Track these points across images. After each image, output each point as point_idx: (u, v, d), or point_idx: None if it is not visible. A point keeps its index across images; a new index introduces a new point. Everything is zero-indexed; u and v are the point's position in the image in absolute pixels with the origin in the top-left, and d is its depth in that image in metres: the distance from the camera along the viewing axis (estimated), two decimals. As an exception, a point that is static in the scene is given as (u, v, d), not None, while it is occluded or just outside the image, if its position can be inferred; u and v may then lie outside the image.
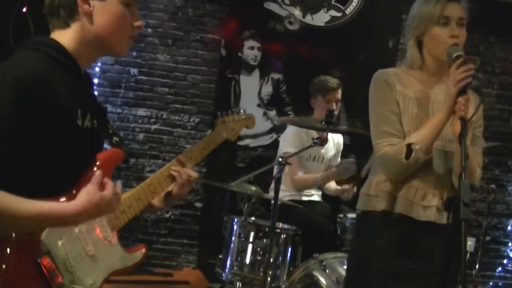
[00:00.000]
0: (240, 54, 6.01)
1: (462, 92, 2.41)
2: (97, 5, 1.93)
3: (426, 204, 2.61)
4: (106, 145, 2.19)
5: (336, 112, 4.67)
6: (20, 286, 1.78)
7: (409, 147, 2.54)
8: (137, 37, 2.06)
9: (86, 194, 1.84)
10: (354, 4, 6.05)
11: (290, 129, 4.93)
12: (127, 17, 1.98)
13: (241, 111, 2.67)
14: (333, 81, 4.83)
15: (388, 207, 2.66)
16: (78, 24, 1.94)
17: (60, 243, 1.89)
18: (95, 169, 1.97)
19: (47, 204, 1.77)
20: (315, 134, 4.69)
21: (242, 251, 4.18)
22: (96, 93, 5.67)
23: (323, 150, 4.89)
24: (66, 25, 1.95)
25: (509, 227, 6.34)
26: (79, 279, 1.93)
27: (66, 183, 1.91)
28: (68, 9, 1.93)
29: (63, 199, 1.88)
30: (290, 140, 4.88)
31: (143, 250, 2.17)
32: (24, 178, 1.78)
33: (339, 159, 5.10)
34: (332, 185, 5.03)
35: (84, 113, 1.96)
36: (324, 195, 5.11)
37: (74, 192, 1.90)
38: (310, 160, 4.90)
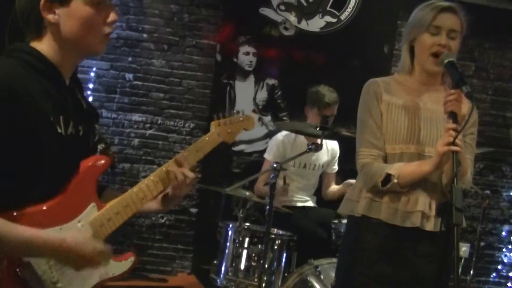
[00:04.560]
0: (235, 60, 6.02)
1: (455, 86, 2.43)
2: (62, 12, 1.90)
3: (410, 210, 2.62)
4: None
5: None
6: None
7: (387, 175, 2.61)
8: (112, 32, 2.02)
9: (82, 239, 1.87)
10: (349, 10, 6.07)
11: (278, 137, 4.94)
12: (96, 17, 1.94)
13: (240, 113, 2.62)
14: (330, 97, 4.77)
15: (367, 212, 2.69)
16: (49, 33, 1.93)
17: None
18: (80, 175, 1.97)
19: (35, 231, 1.79)
20: (306, 140, 4.71)
21: (237, 257, 4.18)
22: (90, 98, 5.67)
23: (314, 157, 4.88)
24: (39, 35, 1.94)
25: (503, 233, 6.35)
26: None
27: (48, 191, 1.89)
28: (35, 21, 1.92)
29: (44, 206, 1.87)
30: (271, 147, 4.96)
31: (133, 258, 2.13)
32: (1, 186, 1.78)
33: (335, 166, 5.10)
34: (333, 187, 5.04)
35: (67, 120, 1.94)
36: (319, 201, 5.11)
37: (56, 200, 1.90)
38: (301, 167, 4.88)
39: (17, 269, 1.80)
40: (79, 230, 1.95)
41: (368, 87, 2.80)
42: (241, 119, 2.57)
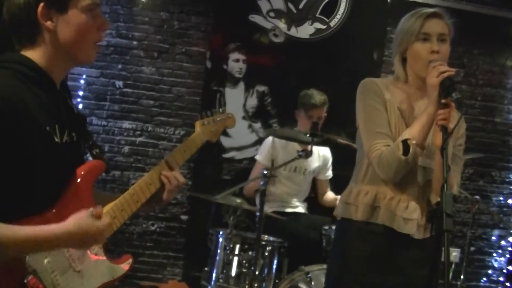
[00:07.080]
0: (225, 67, 6.01)
1: (446, 94, 2.42)
2: (60, 19, 1.91)
3: (408, 217, 2.62)
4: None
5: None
6: None
7: (404, 143, 2.52)
8: (103, 40, 2.05)
9: (77, 219, 1.84)
10: (338, 16, 6.08)
11: (269, 139, 4.95)
12: (91, 24, 1.96)
13: (221, 110, 2.67)
14: (317, 98, 4.79)
15: (366, 218, 2.68)
16: (44, 40, 1.93)
17: (46, 261, 1.87)
18: (76, 182, 1.97)
19: (33, 229, 1.77)
20: (298, 145, 4.71)
21: (227, 264, 4.18)
22: (80, 105, 5.66)
23: (305, 162, 4.89)
24: (32, 42, 1.93)
25: (493, 238, 6.38)
26: None
27: (46, 201, 1.89)
28: (29, 28, 1.92)
29: (42, 216, 1.86)
30: (263, 149, 5.01)
31: (130, 260, 2.19)
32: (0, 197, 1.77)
33: (329, 173, 5.11)
34: (330, 195, 5.06)
35: (62, 128, 1.94)
36: (310, 208, 5.12)
37: (54, 210, 1.89)
38: (291, 171, 4.89)
39: (25, 280, 1.80)
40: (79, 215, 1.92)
41: (366, 84, 2.77)
42: (223, 117, 2.64)
